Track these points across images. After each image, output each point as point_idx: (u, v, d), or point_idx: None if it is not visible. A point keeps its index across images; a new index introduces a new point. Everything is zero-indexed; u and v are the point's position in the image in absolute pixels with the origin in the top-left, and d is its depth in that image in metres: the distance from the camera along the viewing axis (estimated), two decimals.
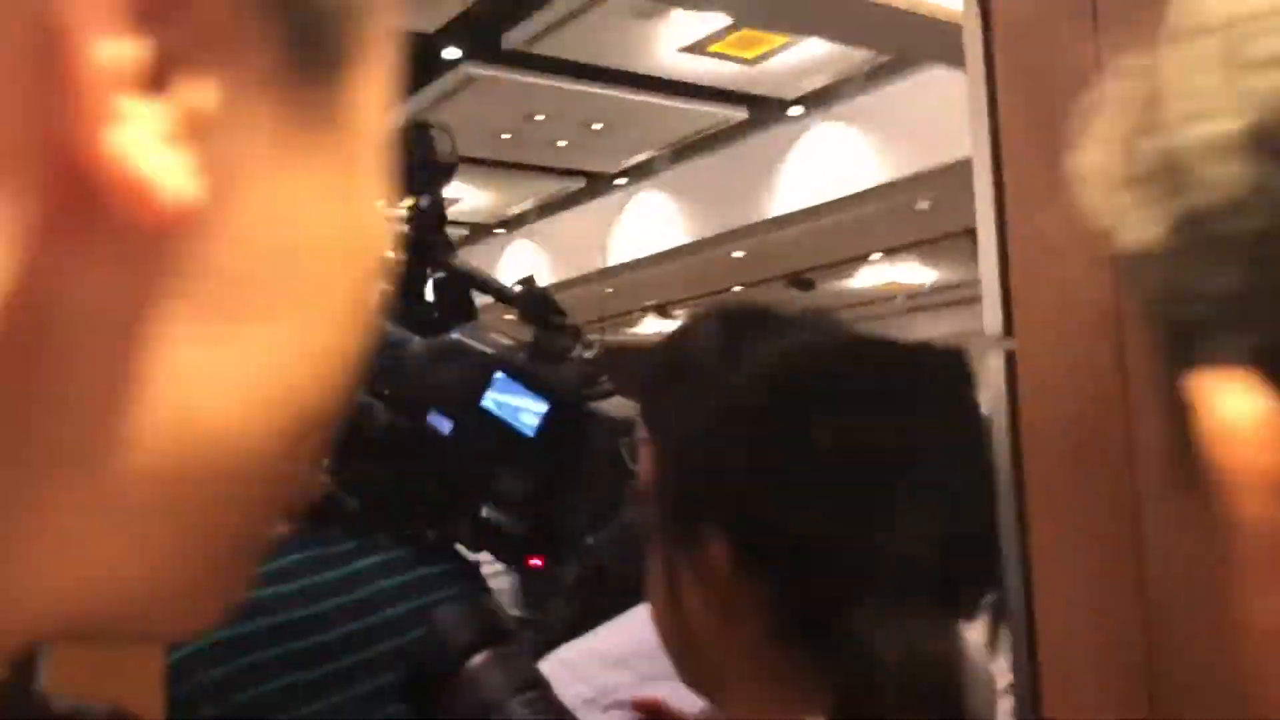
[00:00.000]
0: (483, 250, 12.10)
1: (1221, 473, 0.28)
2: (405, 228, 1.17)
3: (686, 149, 9.53)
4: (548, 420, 1.01)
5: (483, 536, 1.03)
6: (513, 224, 11.56)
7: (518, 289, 1.14)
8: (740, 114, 8.76)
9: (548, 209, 11.14)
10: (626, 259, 10.37)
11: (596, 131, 8.89)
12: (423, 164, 1.16)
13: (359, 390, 0.95)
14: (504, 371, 1.03)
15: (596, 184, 10.49)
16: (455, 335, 1.07)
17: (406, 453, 1.03)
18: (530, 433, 1.01)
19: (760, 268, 11.10)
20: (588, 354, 1.09)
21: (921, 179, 7.90)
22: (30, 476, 0.21)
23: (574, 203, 10.89)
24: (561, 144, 9.19)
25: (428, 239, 1.17)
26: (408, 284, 1.17)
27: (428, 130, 1.16)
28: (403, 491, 1.05)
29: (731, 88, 8.23)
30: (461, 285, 1.19)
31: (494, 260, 11.97)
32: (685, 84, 8.03)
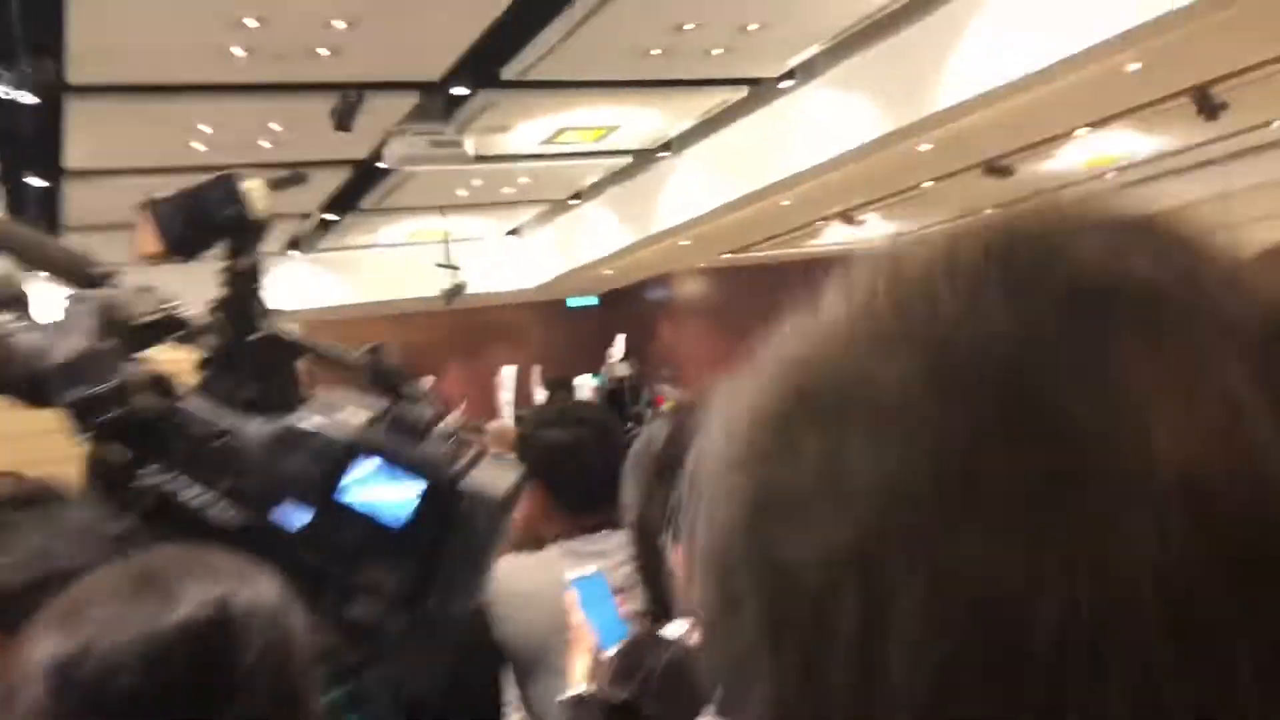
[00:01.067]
0: (649, 178, 11.54)
1: None
2: (223, 293, 1.08)
3: (852, 40, 8.65)
4: (421, 506, 0.95)
5: (353, 636, 0.97)
6: (676, 145, 10.93)
7: (363, 357, 1.06)
8: None
9: (711, 124, 10.44)
10: (802, 167, 9.58)
11: (752, 33, 8.12)
12: (235, 223, 1.07)
13: (191, 485, 0.98)
14: (367, 455, 0.96)
15: (760, 90, 9.72)
16: (298, 420, 0.99)
17: (253, 550, 0.95)
18: (399, 523, 0.95)
19: (951, 159, 10.13)
20: (450, 421, 1.01)
21: (1130, 38, 6.85)
22: None
23: (739, 114, 10.14)
24: (716, 52, 8.46)
25: (248, 306, 1.08)
26: (227, 358, 1.08)
27: (235, 185, 1.07)
28: None
29: None
30: (287, 355, 1.10)
31: (660, 186, 11.40)
32: None
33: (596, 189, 12.44)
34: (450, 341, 15.48)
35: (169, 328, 1.10)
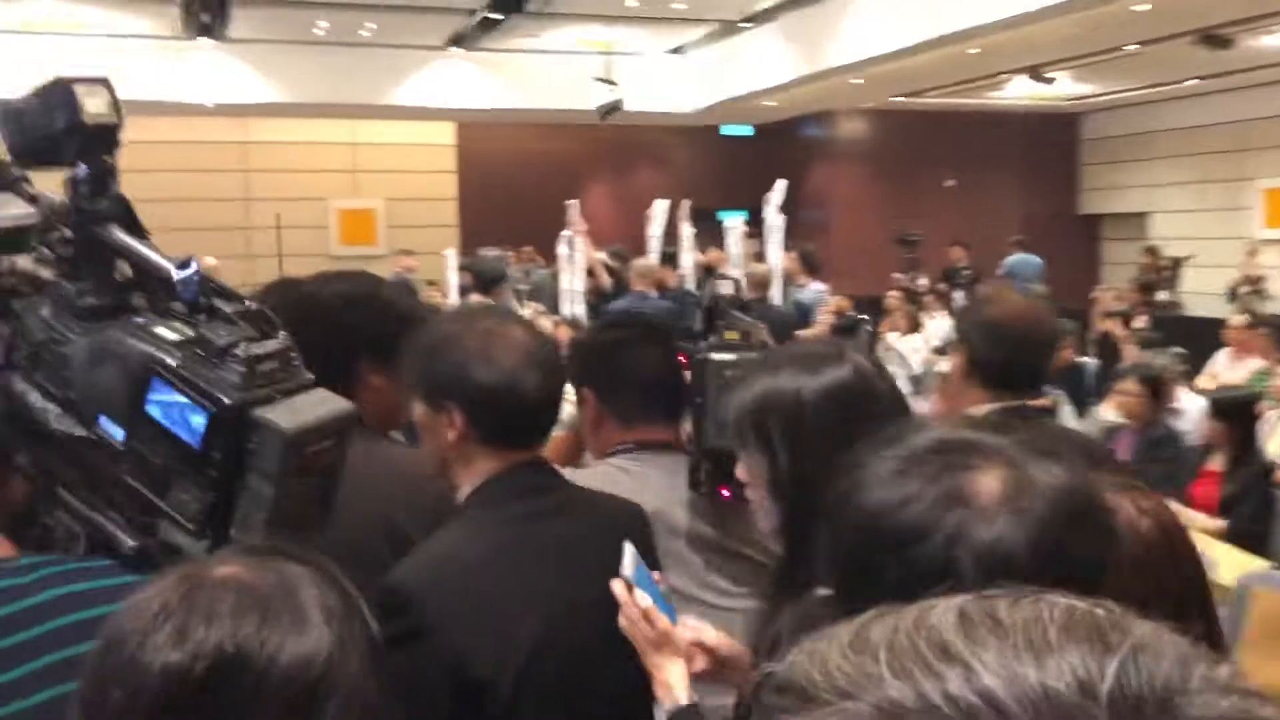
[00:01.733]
0: (829, 8, 10.82)
1: None
2: (67, 201, 1.08)
3: None
4: (209, 431, 0.96)
5: (167, 557, 0.97)
6: None
7: (175, 273, 1.03)
8: None
9: None
10: (1001, 15, 8.81)
11: None
12: (69, 131, 1.05)
13: (32, 390, 1.05)
14: (158, 375, 0.98)
15: None
16: (112, 331, 1.02)
17: (89, 462, 1.01)
18: (197, 443, 0.96)
19: (1166, 22, 9.22)
20: (266, 346, 0.99)
21: None
22: None
23: None
24: None
25: (86, 215, 1.07)
26: (72, 266, 1.08)
27: (68, 91, 1.05)
28: (89, 499, 1.03)
29: None
30: (123, 264, 1.08)
31: (840, 18, 10.70)
32: None
33: (771, 14, 11.76)
34: (598, 158, 15.18)
35: (14, 239, 1.10)
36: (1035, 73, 11.43)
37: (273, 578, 0.80)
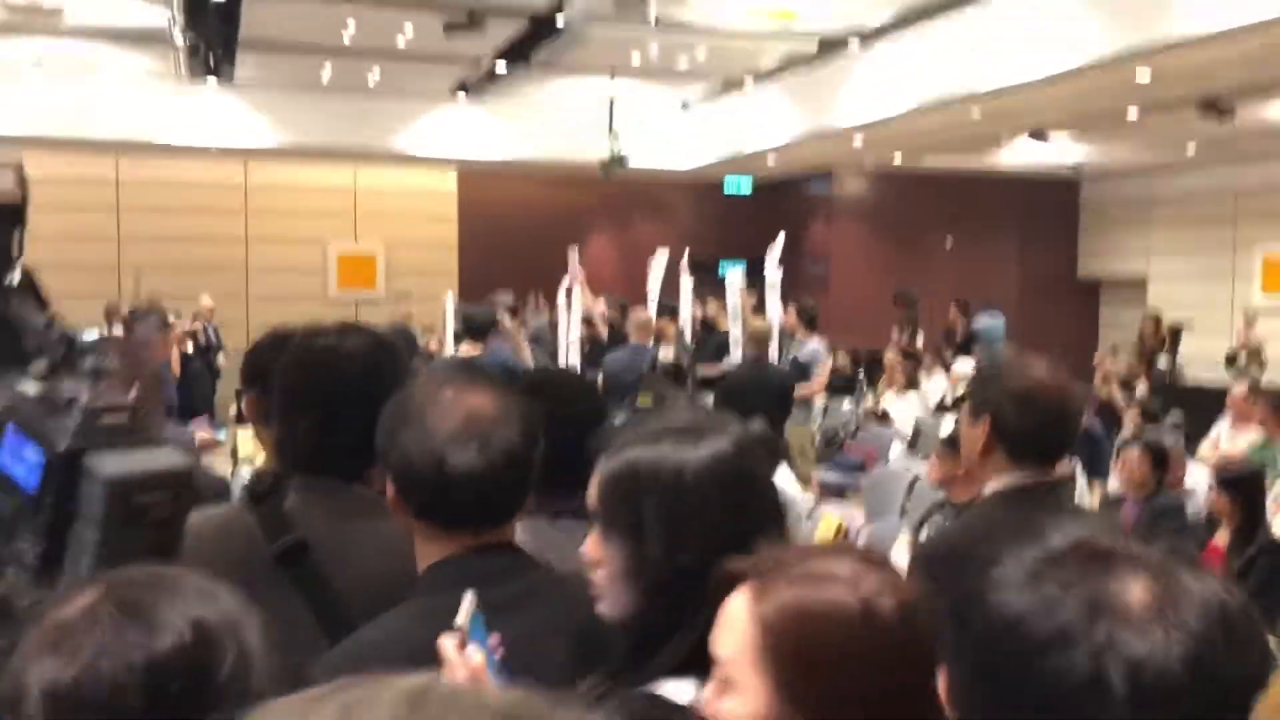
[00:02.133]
0: (833, 70, 10.90)
1: None
2: None
3: None
4: (43, 476, 0.99)
5: (4, 605, 0.99)
6: (869, 39, 10.24)
7: (51, 333, 1.13)
8: None
9: (908, 20, 9.72)
10: (1008, 82, 8.84)
11: None
12: None
13: None
14: (10, 425, 1.03)
15: None
16: None
17: None
18: (32, 489, 1.00)
19: (1167, 90, 9.28)
20: (117, 400, 1.04)
21: None
22: None
23: (939, 12, 9.40)
24: None
25: None
26: None
27: None
28: None
29: None
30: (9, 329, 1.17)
31: (843, 80, 10.76)
32: None
33: (775, 73, 11.85)
34: (600, 209, 15.23)
35: None
36: (1037, 134, 11.49)
37: (140, 577, 0.88)
